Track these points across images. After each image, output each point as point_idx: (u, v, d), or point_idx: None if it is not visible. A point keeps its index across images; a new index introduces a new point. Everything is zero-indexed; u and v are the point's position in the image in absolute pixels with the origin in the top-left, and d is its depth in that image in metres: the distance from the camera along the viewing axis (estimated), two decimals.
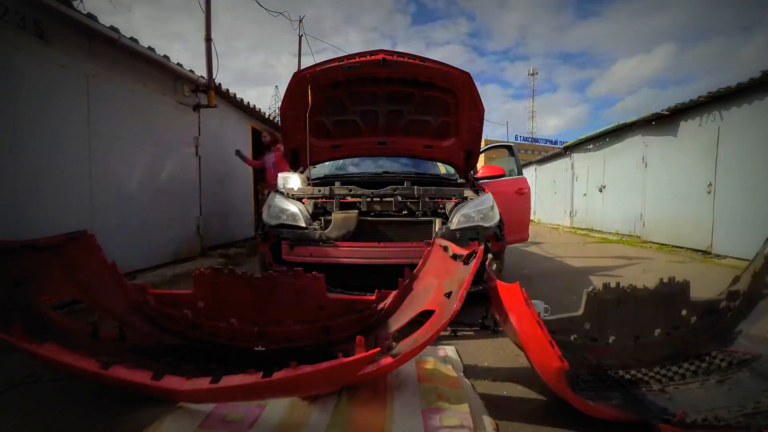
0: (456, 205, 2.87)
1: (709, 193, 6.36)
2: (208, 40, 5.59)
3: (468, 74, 2.94)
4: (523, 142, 49.52)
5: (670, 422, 1.32)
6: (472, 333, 2.51)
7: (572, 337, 1.82)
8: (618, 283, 1.89)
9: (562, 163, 13.30)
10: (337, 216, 2.74)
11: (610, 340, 1.86)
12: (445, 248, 2.05)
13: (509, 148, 4.96)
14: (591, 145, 11.10)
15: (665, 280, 1.93)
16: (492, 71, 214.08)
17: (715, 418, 1.40)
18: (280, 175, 3.40)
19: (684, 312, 1.96)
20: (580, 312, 1.85)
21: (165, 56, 4.61)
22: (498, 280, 1.63)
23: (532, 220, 12.71)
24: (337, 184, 3.07)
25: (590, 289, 1.86)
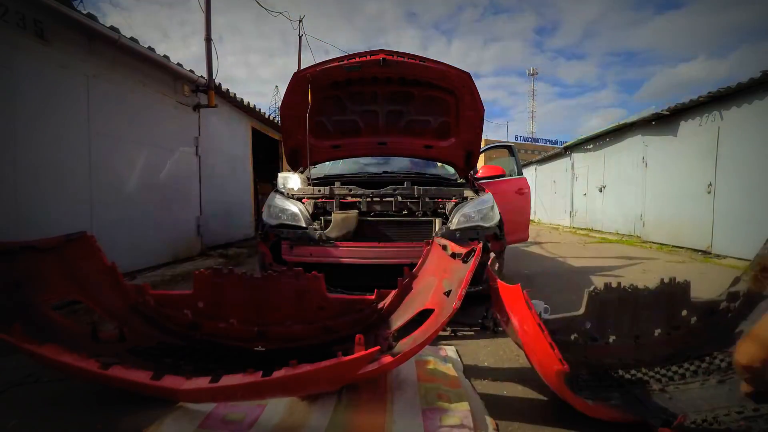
0: (456, 205, 2.87)
1: (709, 193, 6.36)
2: (208, 40, 5.59)
3: (468, 74, 2.93)
4: (523, 142, 49.52)
5: (669, 425, 1.32)
6: (472, 333, 2.50)
7: (572, 337, 1.82)
8: (619, 283, 1.89)
9: (562, 163, 13.30)
10: (337, 216, 2.74)
11: (611, 340, 1.86)
12: (444, 247, 2.04)
13: (509, 148, 4.96)
14: (591, 145, 11.10)
15: (666, 280, 1.93)
16: (546, 69, 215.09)
17: (714, 420, 1.39)
18: (280, 175, 3.40)
19: (684, 312, 1.95)
20: (581, 311, 1.85)
21: (165, 56, 4.61)
22: (500, 281, 1.63)
23: (532, 220, 12.70)
24: (337, 184, 3.07)
25: (591, 288, 1.86)
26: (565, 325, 1.82)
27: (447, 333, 2.47)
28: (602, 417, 1.40)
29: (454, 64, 2.89)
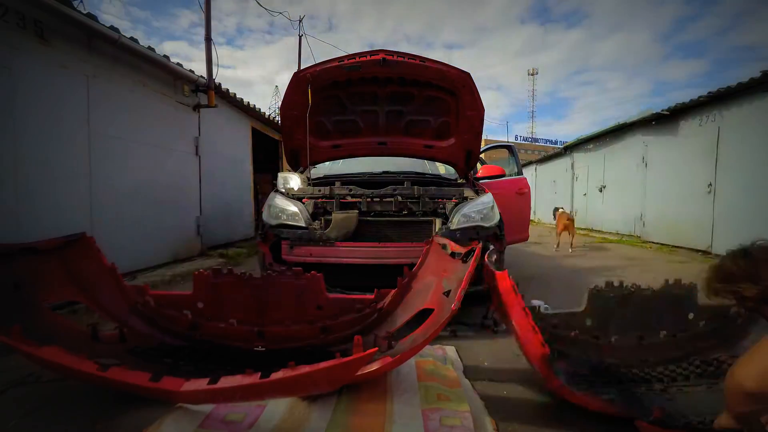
0: (456, 205, 2.87)
1: (709, 193, 6.35)
2: (208, 40, 5.58)
3: (468, 74, 2.93)
4: (523, 142, 49.52)
5: (647, 420, 1.32)
6: (472, 333, 2.50)
7: (573, 333, 1.81)
8: (621, 282, 1.89)
9: (562, 163, 13.29)
10: (337, 216, 2.74)
11: (613, 339, 1.86)
12: (444, 246, 2.04)
13: (509, 148, 4.95)
14: (591, 145, 11.10)
15: (671, 281, 1.93)
16: (647, 66, 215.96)
17: (701, 422, 1.35)
18: (280, 175, 3.40)
19: (691, 315, 1.93)
20: (582, 308, 1.85)
21: (165, 56, 4.61)
22: (496, 271, 1.62)
23: (532, 220, 12.68)
24: (337, 184, 3.07)
25: (593, 286, 1.87)
26: (565, 321, 1.83)
27: (447, 333, 2.47)
28: (586, 406, 1.43)
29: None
